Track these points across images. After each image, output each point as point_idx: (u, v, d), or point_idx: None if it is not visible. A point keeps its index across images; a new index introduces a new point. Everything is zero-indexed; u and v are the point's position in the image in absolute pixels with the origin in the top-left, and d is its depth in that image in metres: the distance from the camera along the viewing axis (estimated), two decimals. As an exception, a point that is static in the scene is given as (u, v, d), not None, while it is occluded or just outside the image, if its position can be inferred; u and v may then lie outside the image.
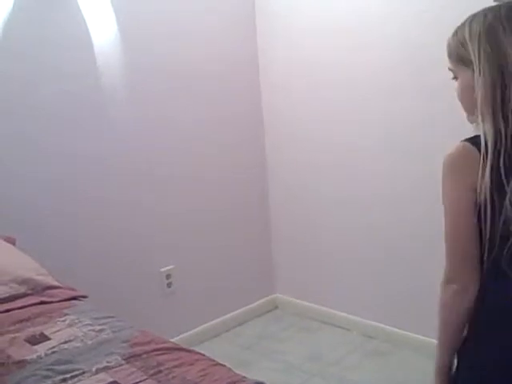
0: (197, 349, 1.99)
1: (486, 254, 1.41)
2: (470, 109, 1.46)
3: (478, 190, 1.36)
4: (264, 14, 3.62)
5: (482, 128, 1.38)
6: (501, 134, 1.36)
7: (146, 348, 1.83)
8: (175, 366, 1.71)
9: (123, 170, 3.15)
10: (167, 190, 3.35)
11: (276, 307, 3.91)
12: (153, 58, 3.20)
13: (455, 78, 1.50)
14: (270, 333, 3.62)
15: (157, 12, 3.19)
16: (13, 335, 1.92)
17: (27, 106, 2.76)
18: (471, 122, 1.47)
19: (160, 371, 1.69)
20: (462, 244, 1.43)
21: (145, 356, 1.78)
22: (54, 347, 1.83)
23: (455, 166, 1.43)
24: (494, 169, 1.35)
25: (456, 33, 1.47)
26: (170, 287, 3.41)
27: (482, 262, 1.42)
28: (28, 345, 1.86)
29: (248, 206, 3.74)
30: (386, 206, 3.29)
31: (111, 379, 1.65)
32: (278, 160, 3.74)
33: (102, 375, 1.67)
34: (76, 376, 1.67)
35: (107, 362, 1.74)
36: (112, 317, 2.07)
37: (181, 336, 3.30)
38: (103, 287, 2.92)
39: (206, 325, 3.57)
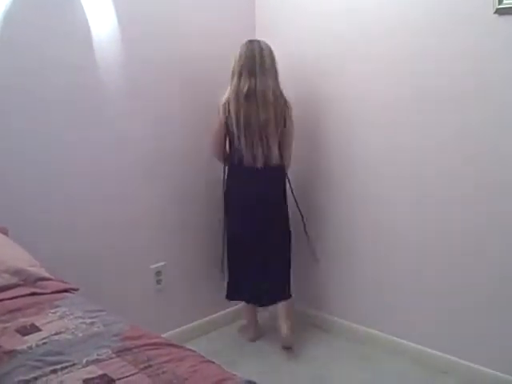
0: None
1: None
2: None
3: None
4: (264, 11, 3.67)
5: None
6: None
7: (137, 342, 1.82)
8: (166, 361, 1.71)
9: (118, 165, 3.15)
10: (161, 187, 3.36)
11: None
12: (153, 51, 3.22)
13: None
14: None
15: (156, 5, 3.21)
16: (3, 325, 1.91)
17: (27, 97, 2.76)
18: None
19: (150, 366, 1.69)
20: None
21: (135, 350, 1.77)
22: (44, 338, 1.83)
23: None
24: None
25: None
26: (159, 284, 3.41)
27: None
28: (18, 335, 1.85)
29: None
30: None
31: (101, 372, 1.64)
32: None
33: (92, 367, 1.67)
34: (66, 368, 1.66)
35: (98, 355, 1.73)
36: (103, 310, 2.06)
37: (169, 333, 3.31)
38: (93, 283, 2.91)
39: (194, 323, 3.58)
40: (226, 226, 3.49)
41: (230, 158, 3.37)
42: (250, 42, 3.29)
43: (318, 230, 3.61)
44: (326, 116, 3.48)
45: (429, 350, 3.18)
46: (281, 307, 3.48)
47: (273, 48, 3.28)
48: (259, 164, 3.26)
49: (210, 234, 3.62)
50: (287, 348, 3.43)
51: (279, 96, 3.25)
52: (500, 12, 2.67)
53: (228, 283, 3.56)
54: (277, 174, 3.38)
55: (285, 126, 3.31)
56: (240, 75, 3.20)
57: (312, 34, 3.46)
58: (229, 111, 3.22)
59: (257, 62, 3.19)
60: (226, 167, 3.41)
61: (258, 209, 3.33)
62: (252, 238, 3.38)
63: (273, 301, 3.51)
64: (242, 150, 3.26)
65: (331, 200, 3.54)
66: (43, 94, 2.81)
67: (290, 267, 3.53)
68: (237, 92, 3.20)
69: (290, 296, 3.51)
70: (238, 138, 3.24)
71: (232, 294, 3.56)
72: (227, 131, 3.29)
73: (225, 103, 3.24)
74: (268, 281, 3.44)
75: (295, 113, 3.36)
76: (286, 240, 3.49)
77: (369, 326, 3.45)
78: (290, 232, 3.51)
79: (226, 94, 3.25)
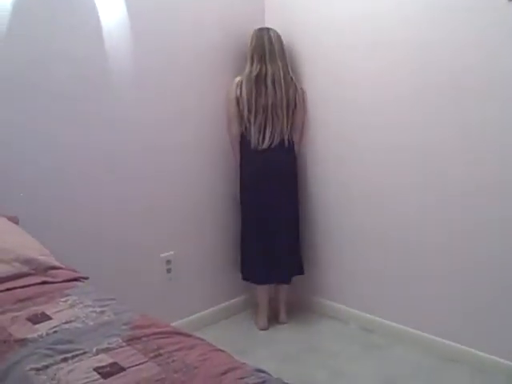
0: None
1: None
2: None
3: None
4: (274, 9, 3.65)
5: None
6: None
7: (147, 331, 1.82)
8: (175, 350, 1.71)
9: (128, 156, 3.15)
10: (172, 178, 3.37)
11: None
12: (160, 42, 3.20)
13: None
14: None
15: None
16: (14, 314, 1.92)
17: (35, 88, 2.75)
18: None
19: (160, 354, 1.69)
20: None
21: (145, 339, 1.77)
22: (55, 327, 1.83)
23: None
24: None
25: None
26: (169, 273, 3.42)
27: None
28: (29, 324, 1.86)
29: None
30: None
31: (112, 360, 1.65)
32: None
33: (102, 356, 1.67)
34: (77, 356, 1.67)
35: (108, 344, 1.74)
36: (113, 299, 2.07)
37: (179, 321, 3.32)
38: (103, 271, 2.93)
39: (204, 311, 3.60)
40: (241, 202, 3.60)
41: (242, 140, 3.48)
42: (260, 29, 3.43)
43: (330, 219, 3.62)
44: (330, 108, 3.49)
45: (439, 339, 3.18)
46: (282, 290, 3.66)
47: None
48: (266, 145, 3.42)
49: (220, 223, 3.63)
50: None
51: (290, 81, 3.43)
52: (513, -1, 2.64)
53: (242, 262, 3.63)
54: (286, 154, 3.52)
55: (295, 107, 3.46)
56: (252, 61, 3.39)
57: (323, 24, 3.44)
58: (240, 93, 3.40)
59: (266, 48, 3.38)
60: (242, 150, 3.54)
61: (269, 183, 3.49)
62: (265, 211, 3.51)
63: (290, 275, 3.64)
64: (251, 131, 3.42)
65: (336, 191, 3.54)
66: (49, 86, 2.80)
67: (299, 244, 3.67)
68: (248, 76, 3.39)
69: (303, 273, 3.67)
70: (248, 119, 3.40)
71: (247, 274, 3.62)
72: (237, 112, 3.45)
73: (237, 84, 3.42)
74: (284, 255, 3.56)
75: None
76: (296, 215, 3.63)
77: (379, 315, 3.45)
78: (298, 209, 3.65)
79: (239, 77, 3.41)
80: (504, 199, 2.85)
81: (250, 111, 3.40)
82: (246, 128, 3.46)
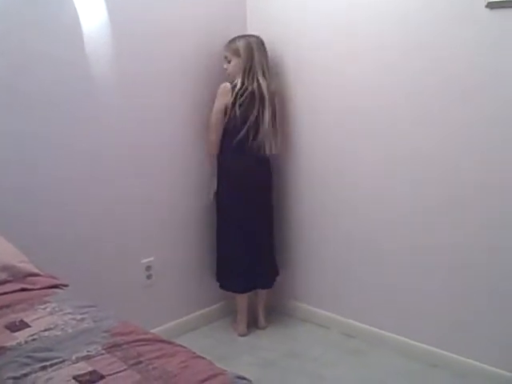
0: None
1: None
2: None
3: None
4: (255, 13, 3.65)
5: None
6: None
7: (127, 338, 1.82)
8: (156, 357, 1.71)
9: (109, 161, 3.13)
10: (153, 183, 3.34)
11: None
12: (142, 45, 3.19)
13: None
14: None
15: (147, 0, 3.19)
16: (-8, 321, 1.91)
17: (15, 92, 2.73)
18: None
19: (140, 362, 1.68)
20: None
21: (125, 346, 1.77)
22: (34, 335, 1.82)
23: None
24: None
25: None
26: (149, 279, 3.40)
27: None
28: (8, 331, 1.84)
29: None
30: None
31: (91, 368, 1.64)
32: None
33: (81, 364, 1.66)
34: (56, 364, 1.65)
35: (87, 351, 1.73)
36: (93, 306, 2.05)
37: (159, 328, 3.30)
38: (83, 277, 2.89)
39: (184, 318, 3.58)
40: (218, 201, 3.56)
41: (225, 143, 3.46)
42: (248, 40, 3.39)
43: (311, 222, 3.63)
44: (316, 115, 3.49)
45: (420, 344, 3.19)
46: (260, 295, 3.65)
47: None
48: (253, 151, 3.40)
49: (200, 229, 3.62)
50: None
51: (272, 91, 3.41)
52: (491, 6, 2.66)
53: (220, 271, 3.61)
54: (267, 160, 3.53)
55: (275, 117, 3.46)
56: (244, 73, 3.34)
57: (307, 29, 3.43)
58: (233, 103, 3.32)
59: (259, 63, 3.37)
60: (225, 154, 3.48)
61: (247, 184, 3.47)
62: (241, 211, 3.49)
63: (272, 280, 3.66)
64: (237, 136, 3.37)
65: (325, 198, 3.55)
66: (29, 89, 2.78)
67: (275, 246, 3.69)
68: (241, 88, 3.33)
69: (278, 273, 3.71)
70: (234, 125, 3.36)
71: (226, 284, 3.60)
72: (224, 114, 3.38)
73: (230, 93, 3.33)
74: (264, 259, 3.58)
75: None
76: (271, 218, 3.64)
77: (360, 320, 3.46)
78: (273, 212, 3.66)
79: (229, 84, 3.36)
80: (498, 208, 2.84)
81: (236, 122, 3.35)
82: (228, 130, 3.40)
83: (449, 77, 2.89)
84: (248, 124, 3.34)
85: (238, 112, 3.32)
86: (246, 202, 3.47)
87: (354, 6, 3.18)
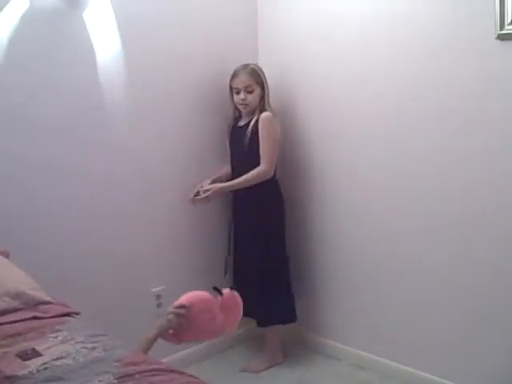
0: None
1: None
2: None
3: None
4: (266, 18, 3.69)
5: None
6: None
7: (139, 368, 1.80)
8: (167, 388, 1.70)
9: (121, 189, 3.16)
10: (165, 211, 3.37)
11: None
12: (156, 74, 3.23)
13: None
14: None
15: (160, 29, 3.23)
16: (4, 350, 1.89)
17: (28, 119, 2.77)
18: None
19: (152, 392, 1.67)
20: None
21: (137, 376, 1.75)
22: (45, 363, 1.80)
23: None
24: None
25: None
26: (160, 307, 3.38)
27: None
28: (19, 360, 1.83)
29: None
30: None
31: (103, 398, 1.63)
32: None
33: (93, 394, 1.65)
34: (67, 394, 1.65)
35: (99, 381, 1.71)
36: (104, 335, 2.04)
37: (170, 357, 3.27)
38: (94, 305, 2.88)
39: (196, 347, 3.55)
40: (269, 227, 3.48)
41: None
42: (254, 65, 3.42)
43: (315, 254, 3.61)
44: (323, 138, 3.51)
45: (430, 376, 3.16)
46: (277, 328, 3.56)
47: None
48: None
49: (210, 257, 3.61)
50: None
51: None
52: (501, 38, 2.68)
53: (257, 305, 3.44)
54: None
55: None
56: (264, 101, 3.38)
57: (318, 58, 3.46)
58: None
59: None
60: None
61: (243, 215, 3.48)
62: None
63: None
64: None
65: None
66: (45, 118, 2.82)
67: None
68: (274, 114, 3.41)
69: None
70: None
71: (270, 314, 3.51)
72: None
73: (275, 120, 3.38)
74: (287, 293, 3.52)
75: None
76: (285, 253, 3.55)
77: (370, 351, 3.43)
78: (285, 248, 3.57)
79: (270, 113, 3.36)
80: (490, 225, 2.85)
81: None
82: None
83: (458, 108, 2.90)
84: None
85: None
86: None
87: (366, 35, 3.21)
